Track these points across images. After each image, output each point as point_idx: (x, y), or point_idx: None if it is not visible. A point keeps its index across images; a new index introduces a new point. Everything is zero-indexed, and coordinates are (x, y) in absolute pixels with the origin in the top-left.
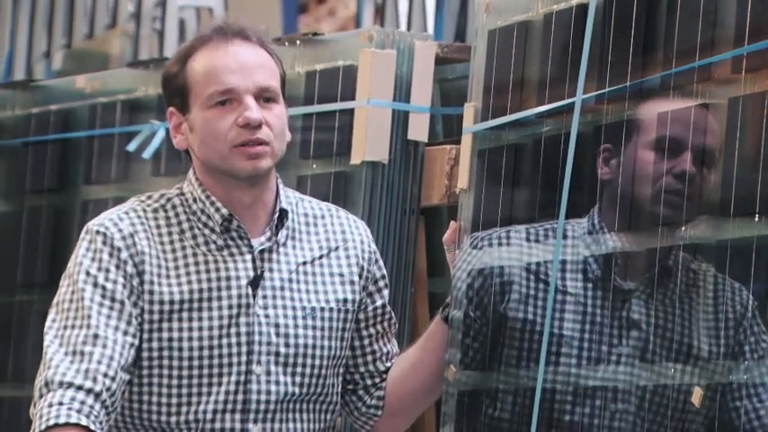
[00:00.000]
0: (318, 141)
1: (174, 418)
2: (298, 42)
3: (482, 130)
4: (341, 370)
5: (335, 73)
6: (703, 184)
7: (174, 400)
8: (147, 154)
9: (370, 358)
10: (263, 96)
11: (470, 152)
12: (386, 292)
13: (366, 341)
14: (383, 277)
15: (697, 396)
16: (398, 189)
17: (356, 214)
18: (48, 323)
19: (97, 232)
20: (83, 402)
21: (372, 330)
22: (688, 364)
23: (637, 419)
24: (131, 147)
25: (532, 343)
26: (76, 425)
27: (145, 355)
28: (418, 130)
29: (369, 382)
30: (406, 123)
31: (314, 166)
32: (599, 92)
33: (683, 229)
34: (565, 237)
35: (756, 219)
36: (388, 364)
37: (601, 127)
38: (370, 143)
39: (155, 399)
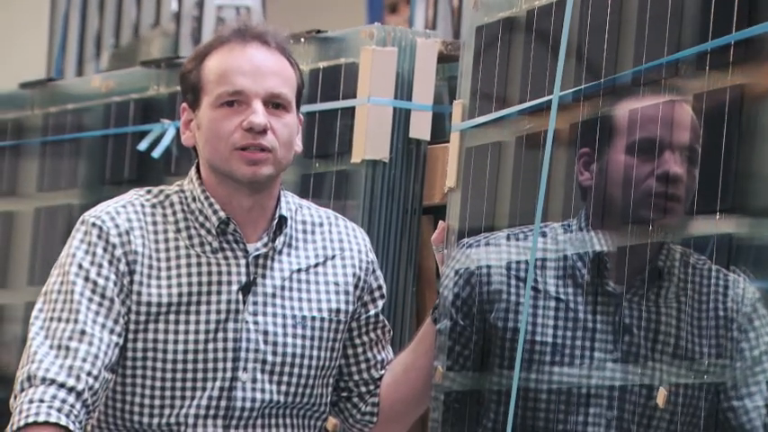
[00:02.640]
0: (321, 140)
1: (155, 420)
2: (302, 40)
3: (469, 127)
4: (330, 380)
5: (338, 71)
6: (687, 182)
7: (157, 402)
8: (156, 153)
9: (363, 366)
10: (273, 102)
11: (458, 150)
12: (381, 303)
13: (359, 349)
14: (379, 288)
15: (661, 396)
16: (400, 188)
17: (357, 213)
18: (35, 312)
19: (93, 224)
20: (64, 401)
21: (366, 338)
22: (681, 367)
23: (630, 426)
24: (142, 146)
25: (522, 352)
26: (56, 424)
27: (129, 354)
28: (420, 128)
29: (363, 389)
30: (408, 121)
31: (317, 164)
32: (575, 88)
33: (670, 229)
34: (553, 239)
35: (717, 217)
36: (383, 372)
37: (577, 125)
38: (370, 142)
39: (137, 399)
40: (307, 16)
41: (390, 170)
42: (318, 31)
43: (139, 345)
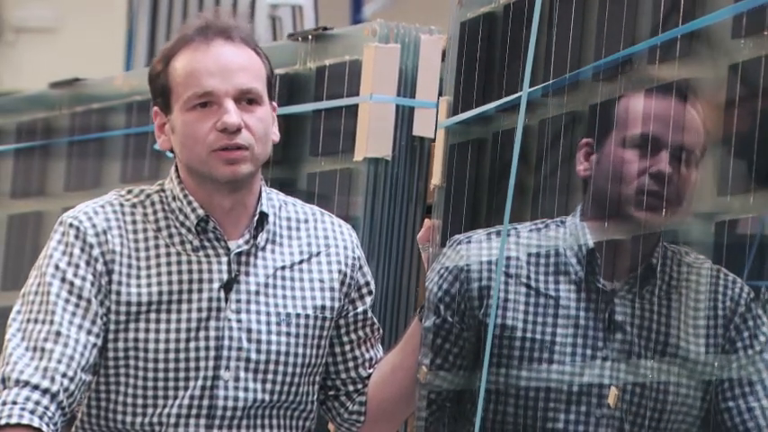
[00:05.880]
0: (326, 138)
1: (138, 419)
2: (309, 38)
3: (453, 124)
4: (317, 378)
5: (342, 68)
6: (683, 182)
7: (140, 401)
8: (169, 152)
9: (351, 364)
10: (245, 98)
11: (443, 147)
12: (369, 299)
13: (347, 347)
14: (367, 284)
15: (612, 396)
16: (403, 185)
17: (359, 211)
18: (12, 314)
19: (71, 225)
20: (37, 403)
21: (353, 336)
22: (674, 365)
23: (623, 424)
24: (157, 144)
25: (512, 349)
26: (28, 426)
27: (110, 354)
28: (424, 125)
29: (351, 388)
30: (411, 119)
31: (322, 162)
32: (544, 84)
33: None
34: (545, 235)
35: (663, 214)
36: (371, 371)
37: (546, 121)
38: (372, 139)
39: (120, 398)
40: (428, 19)
41: (393, 168)
42: (325, 29)
43: (120, 344)
